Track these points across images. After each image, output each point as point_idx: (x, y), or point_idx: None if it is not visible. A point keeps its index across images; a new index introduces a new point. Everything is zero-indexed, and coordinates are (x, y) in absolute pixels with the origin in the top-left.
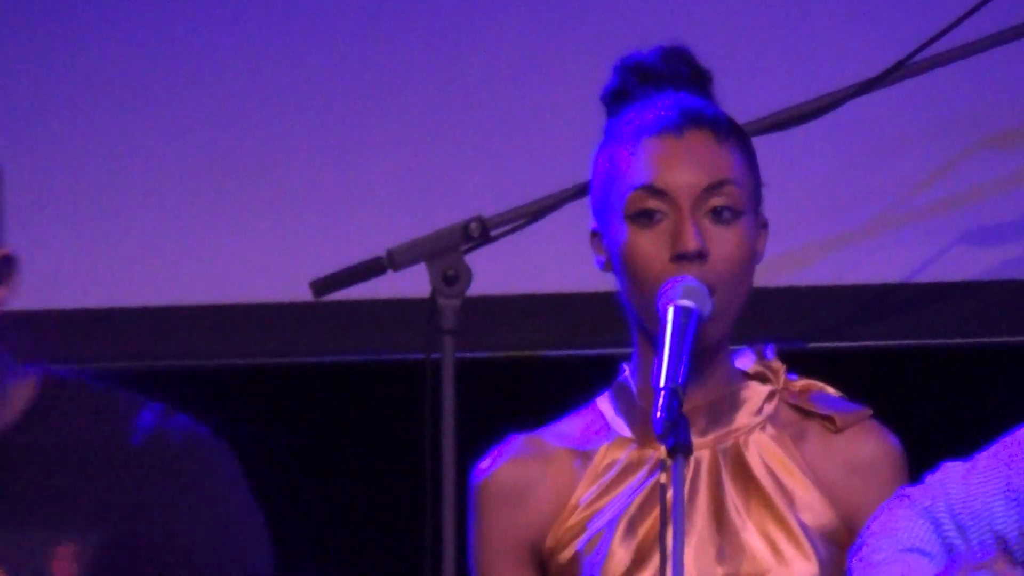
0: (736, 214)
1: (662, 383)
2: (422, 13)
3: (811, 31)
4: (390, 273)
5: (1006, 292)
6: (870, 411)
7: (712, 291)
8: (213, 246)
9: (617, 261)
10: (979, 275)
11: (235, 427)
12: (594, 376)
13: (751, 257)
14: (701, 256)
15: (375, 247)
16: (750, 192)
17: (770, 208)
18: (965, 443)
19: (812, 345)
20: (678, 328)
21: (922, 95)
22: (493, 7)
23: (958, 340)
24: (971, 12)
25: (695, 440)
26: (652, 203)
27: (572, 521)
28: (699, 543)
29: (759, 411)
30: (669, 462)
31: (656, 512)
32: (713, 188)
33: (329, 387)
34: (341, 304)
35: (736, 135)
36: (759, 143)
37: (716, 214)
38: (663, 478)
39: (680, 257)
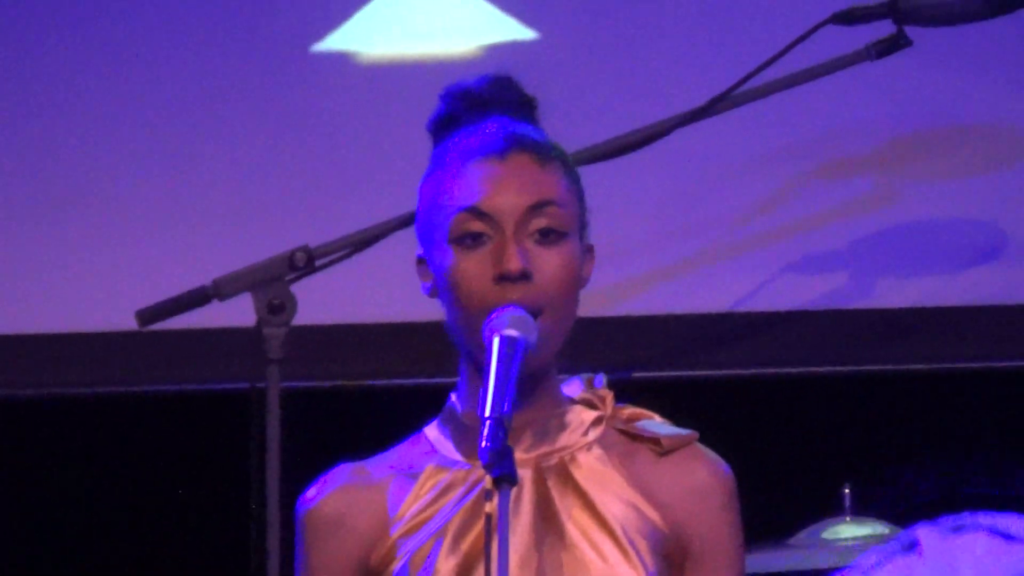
0: (561, 235)
1: (488, 413)
2: (245, 45)
3: (640, 61)
4: (216, 302)
5: (830, 321)
6: (696, 435)
7: (538, 313)
8: (37, 275)
9: (442, 286)
10: (804, 304)
11: (58, 457)
12: (420, 406)
13: (576, 279)
14: (525, 277)
15: (200, 276)
16: (575, 215)
17: (597, 238)
18: (790, 471)
19: (638, 375)
20: (504, 357)
21: (748, 126)
22: (318, 34)
23: (784, 370)
24: (796, 43)
25: (519, 456)
26: (476, 225)
27: (395, 539)
28: (524, 560)
29: (585, 433)
30: (495, 492)
31: (480, 526)
32: (536, 208)
33: (155, 417)
34: (167, 333)
35: (560, 160)
36: (586, 173)
37: (541, 235)
38: (488, 507)
39: (503, 278)
